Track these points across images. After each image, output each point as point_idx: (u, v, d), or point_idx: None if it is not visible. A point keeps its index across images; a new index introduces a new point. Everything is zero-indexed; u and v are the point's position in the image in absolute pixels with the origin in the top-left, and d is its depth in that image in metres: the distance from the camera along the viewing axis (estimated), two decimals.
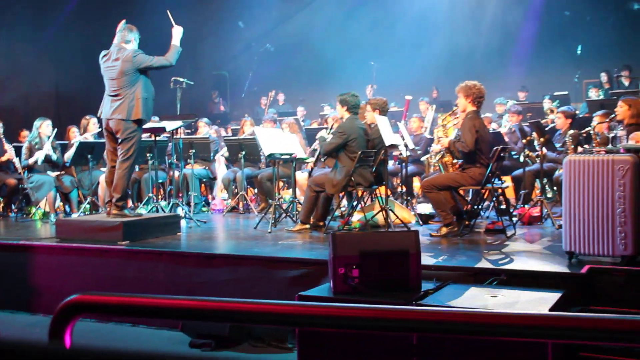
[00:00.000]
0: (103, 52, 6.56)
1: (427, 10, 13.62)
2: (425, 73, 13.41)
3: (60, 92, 12.11)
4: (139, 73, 6.38)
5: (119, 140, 6.45)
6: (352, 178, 6.54)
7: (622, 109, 6.94)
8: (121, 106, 6.32)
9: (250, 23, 14.94)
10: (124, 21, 6.66)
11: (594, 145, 6.98)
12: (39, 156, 8.48)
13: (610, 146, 6.45)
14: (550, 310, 3.63)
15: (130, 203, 8.81)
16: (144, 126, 6.87)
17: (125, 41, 6.50)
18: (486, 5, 13.31)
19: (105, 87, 6.51)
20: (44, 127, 8.62)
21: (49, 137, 8.61)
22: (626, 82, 11.16)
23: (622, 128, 6.73)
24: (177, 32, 6.75)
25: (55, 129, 8.75)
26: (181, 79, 8.33)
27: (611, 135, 6.50)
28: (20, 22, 11.49)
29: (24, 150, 8.70)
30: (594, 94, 10.98)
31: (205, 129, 10.18)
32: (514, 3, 13.19)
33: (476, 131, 6.19)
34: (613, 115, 7.06)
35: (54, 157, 8.56)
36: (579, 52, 13.24)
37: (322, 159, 7.66)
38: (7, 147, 9.13)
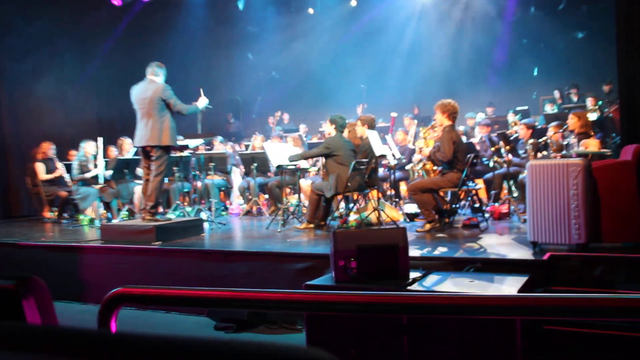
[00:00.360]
0: (135, 86, 6.54)
1: (409, 39, 13.68)
2: (408, 93, 13.44)
3: (101, 117, 12.16)
4: (165, 105, 6.36)
5: (152, 158, 6.47)
6: (349, 183, 6.54)
7: (572, 121, 6.96)
8: (152, 133, 6.31)
9: (257, 55, 14.98)
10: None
11: (551, 151, 7.00)
12: (98, 172, 8.57)
13: (564, 152, 6.47)
14: (519, 291, 3.63)
15: (160, 209, 8.82)
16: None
17: (155, 75, 6.51)
18: (460, 35, 13.35)
19: (137, 116, 6.49)
20: (89, 148, 8.66)
21: (94, 156, 8.67)
22: (575, 98, 11.21)
23: (573, 137, 6.75)
24: (203, 101, 6.78)
25: (100, 147, 8.80)
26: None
27: (565, 142, 6.52)
28: (67, 63, 11.58)
29: (75, 166, 8.75)
30: (549, 109, 10.99)
31: (220, 146, 10.22)
32: (483, 33, 13.22)
33: (453, 142, 6.19)
34: (565, 126, 7.08)
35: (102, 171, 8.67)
36: (535, 73, 13.29)
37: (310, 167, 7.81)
38: (59, 164, 9.25)
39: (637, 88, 5.27)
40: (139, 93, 6.44)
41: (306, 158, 7.28)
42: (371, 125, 7.19)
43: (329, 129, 7.07)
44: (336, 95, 13.99)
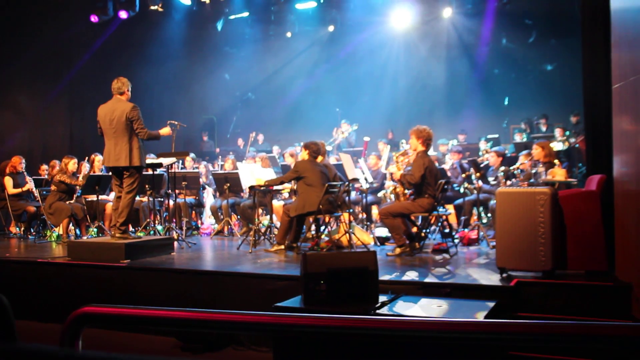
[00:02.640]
0: (102, 105, 6.47)
1: (384, 65, 13.87)
2: (382, 118, 13.58)
3: (73, 132, 12.04)
4: (132, 125, 6.32)
5: (124, 176, 6.42)
6: (320, 206, 6.55)
7: (536, 151, 7.13)
8: (121, 154, 6.27)
9: (234, 75, 15.02)
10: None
11: (518, 180, 7.14)
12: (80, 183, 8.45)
13: (532, 180, 6.59)
14: (486, 317, 3.66)
15: (130, 227, 8.70)
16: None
17: (120, 93, 6.44)
18: (433, 63, 13.60)
19: (105, 136, 6.44)
20: (71, 165, 8.50)
21: (74, 174, 8.53)
22: (544, 128, 11.46)
23: (541, 166, 6.90)
24: (166, 131, 6.82)
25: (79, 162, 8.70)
26: (175, 122, 8.30)
27: (533, 171, 6.65)
28: (39, 77, 11.46)
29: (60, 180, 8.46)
30: (518, 138, 11.23)
31: (190, 163, 10.19)
32: (456, 62, 13.50)
33: (425, 168, 6.27)
34: (531, 156, 7.24)
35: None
36: (506, 102, 13.58)
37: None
38: (28, 179, 9.07)
39: (602, 120, 5.42)
40: (107, 112, 6.38)
41: (281, 183, 7.32)
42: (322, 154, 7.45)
43: (302, 155, 7.13)
44: (311, 117, 14.08)
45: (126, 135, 6.27)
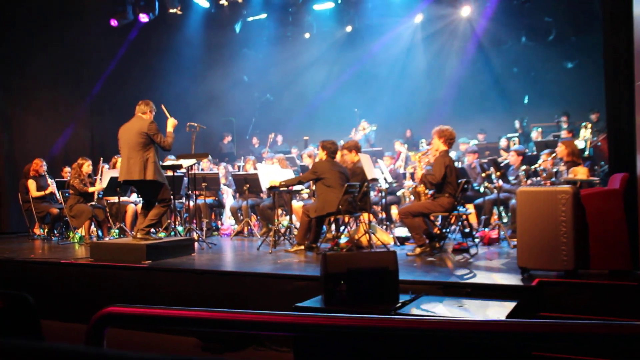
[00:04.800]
0: (123, 125, 6.58)
1: (403, 64, 13.83)
2: (401, 117, 13.54)
3: (94, 135, 12.21)
4: (150, 140, 6.38)
5: (148, 195, 6.53)
6: (340, 206, 6.55)
7: (560, 149, 7.05)
8: (134, 168, 6.32)
9: (252, 77, 15.10)
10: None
11: (539, 179, 7.06)
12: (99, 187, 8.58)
13: (554, 179, 6.52)
14: (507, 317, 3.63)
15: (153, 230, 8.80)
16: (165, 164, 6.89)
17: (142, 113, 6.54)
18: (451, 63, 13.54)
19: (121, 152, 6.53)
20: (86, 167, 8.61)
21: (89, 175, 8.64)
22: (565, 126, 11.29)
23: (563, 164, 6.82)
24: (171, 123, 6.73)
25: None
26: (195, 124, 8.38)
27: (555, 170, 6.57)
28: (61, 80, 11.64)
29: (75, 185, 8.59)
30: (535, 134, 11.12)
31: (208, 164, 10.28)
32: (475, 61, 13.41)
33: (446, 167, 6.24)
34: (554, 154, 7.16)
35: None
36: (525, 101, 13.44)
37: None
38: (50, 181, 9.21)
39: (624, 117, 5.33)
40: (125, 130, 6.49)
41: (298, 183, 7.34)
42: (357, 149, 7.37)
43: (320, 154, 7.13)
44: (330, 118, 14.09)
45: (141, 150, 6.32)
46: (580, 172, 6.70)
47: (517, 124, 12.18)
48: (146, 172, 6.32)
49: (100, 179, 8.91)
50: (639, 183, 4.77)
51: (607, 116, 5.83)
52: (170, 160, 8.42)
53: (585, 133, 9.71)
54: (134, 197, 9.25)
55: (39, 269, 6.51)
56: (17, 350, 0.69)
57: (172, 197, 6.61)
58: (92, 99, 12.25)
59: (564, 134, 10.29)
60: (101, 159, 9.33)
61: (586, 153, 9.12)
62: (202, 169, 10.03)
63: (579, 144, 9.15)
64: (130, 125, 6.48)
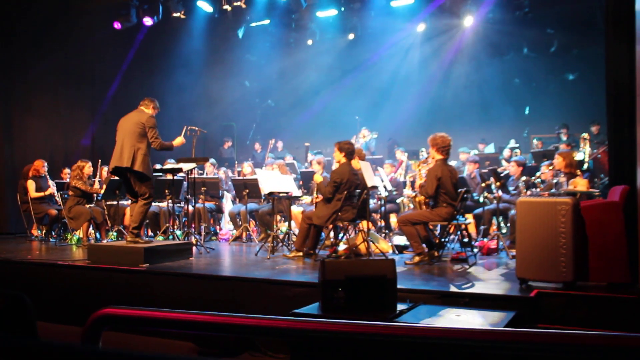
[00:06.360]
0: (123, 117, 6.68)
1: (405, 72, 13.85)
2: (402, 126, 13.55)
3: (95, 138, 12.23)
4: (145, 133, 6.44)
5: (134, 186, 6.53)
6: (339, 213, 6.54)
7: (557, 161, 7.06)
8: (122, 156, 6.38)
9: (254, 82, 15.11)
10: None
11: (538, 190, 7.07)
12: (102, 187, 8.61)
13: (553, 190, 6.52)
14: (505, 327, 3.61)
15: (150, 232, 8.82)
16: (165, 167, 6.90)
17: (145, 107, 6.67)
18: (453, 73, 13.57)
19: (117, 140, 6.56)
20: (87, 168, 8.62)
21: (89, 177, 8.65)
22: (564, 138, 11.31)
23: (562, 176, 6.82)
24: (179, 140, 6.91)
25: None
26: (196, 128, 8.37)
27: (554, 181, 6.57)
28: (62, 83, 11.67)
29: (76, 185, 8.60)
30: (535, 141, 11.13)
31: (211, 169, 10.27)
32: (476, 71, 13.43)
33: (438, 179, 6.24)
34: (552, 166, 7.18)
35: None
36: (527, 112, 13.46)
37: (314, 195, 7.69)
38: (50, 183, 9.21)
39: (625, 130, 5.34)
40: (125, 120, 6.60)
41: (328, 200, 6.88)
42: (360, 156, 7.32)
43: (338, 157, 6.94)
44: (331, 125, 14.09)
45: (134, 140, 6.40)
46: (580, 184, 6.70)
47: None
48: (134, 162, 6.37)
49: (100, 181, 8.91)
50: (639, 196, 4.77)
51: (607, 128, 5.85)
52: (170, 164, 8.42)
53: (583, 144, 9.71)
54: None
55: (35, 270, 6.50)
56: (13, 347, 0.69)
57: (153, 194, 6.63)
58: (92, 101, 12.27)
59: (562, 146, 10.30)
60: (100, 161, 9.33)
61: (585, 166, 9.11)
62: (207, 174, 10.06)
63: (579, 156, 9.14)
64: (130, 116, 6.60)
